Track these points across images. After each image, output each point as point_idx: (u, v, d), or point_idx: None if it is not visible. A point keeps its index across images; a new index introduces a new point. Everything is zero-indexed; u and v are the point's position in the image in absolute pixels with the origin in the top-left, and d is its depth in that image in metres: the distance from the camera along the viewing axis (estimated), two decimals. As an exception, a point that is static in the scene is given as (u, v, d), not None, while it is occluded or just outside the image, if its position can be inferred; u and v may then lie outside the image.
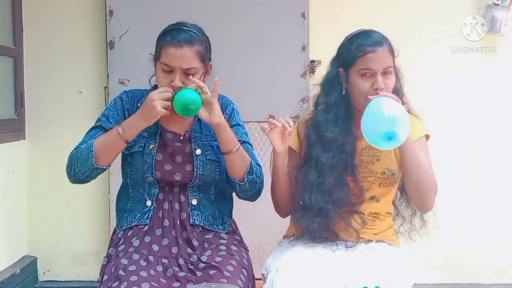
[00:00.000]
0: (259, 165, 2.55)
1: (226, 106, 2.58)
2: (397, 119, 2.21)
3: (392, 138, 2.20)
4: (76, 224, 4.05)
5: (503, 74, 4.03)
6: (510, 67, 4.03)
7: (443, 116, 3.98)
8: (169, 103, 2.34)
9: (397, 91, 2.44)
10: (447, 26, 3.99)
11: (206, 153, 2.51)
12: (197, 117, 2.49)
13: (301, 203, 2.48)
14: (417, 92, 3.82)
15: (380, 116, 2.22)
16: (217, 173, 2.54)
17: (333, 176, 2.40)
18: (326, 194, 2.38)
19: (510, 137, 4.06)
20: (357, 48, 2.38)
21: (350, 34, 2.47)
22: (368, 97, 2.32)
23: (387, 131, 2.20)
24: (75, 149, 2.46)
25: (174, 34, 2.40)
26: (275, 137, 2.37)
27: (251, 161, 2.46)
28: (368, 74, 2.36)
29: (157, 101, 2.31)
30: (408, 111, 2.42)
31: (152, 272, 2.32)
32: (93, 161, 2.39)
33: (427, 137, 2.54)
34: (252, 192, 2.52)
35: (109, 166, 2.47)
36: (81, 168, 2.42)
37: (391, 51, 2.41)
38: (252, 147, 2.61)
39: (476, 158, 4.04)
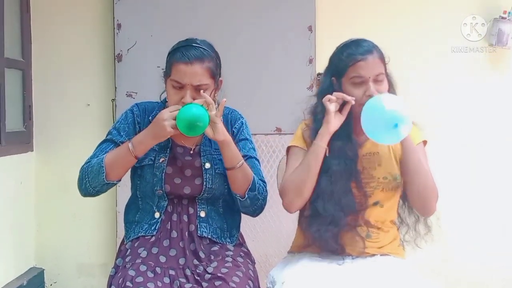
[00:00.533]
0: (263, 182, 2.55)
1: (235, 120, 2.59)
2: (398, 112, 2.25)
3: (394, 129, 2.23)
4: (83, 236, 4.06)
5: (503, 74, 4.02)
6: (510, 67, 4.02)
7: (443, 116, 3.99)
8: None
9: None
10: (447, 26, 4.00)
11: (216, 166, 2.52)
12: None
13: (310, 211, 2.48)
14: (417, 93, 3.89)
15: (380, 110, 2.27)
16: (225, 186, 2.54)
17: (340, 184, 2.41)
18: (337, 202, 2.39)
19: (511, 137, 4.05)
20: (347, 57, 2.43)
21: (341, 44, 2.52)
22: (367, 94, 2.37)
23: (389, 123, 2.23)
24: (86, 163, 2.47)
25: (184, 51, 2.42)
26: (333, 113, 2.38)
27: (254, 178, 2.47)
28: (360, 82, 2.40)
29: (168, 121, 2.32)
30: None
31: (159, 283, 2.32)
32: (104, 177, 2.41)
33: (424, 143, 2.55)
34: (253, 209, 2.53)
35: (120, 180, 2.48)
36: (92, 183, 2.44)
37: (382, 59, 2.45)
38: (259, 163, 2.61)
39: (476, 158, 4.02)
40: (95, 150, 2.52)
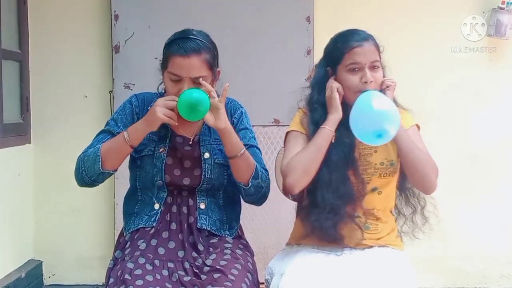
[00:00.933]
0: (265, 170, 2.55)
1: (235, 110, 2.58)
2: (386, 114, 2.25)
3: (382, 135, 2.24)
4: (81, 228, 4.06)
5: (503, 74, 4.03)
6: (510, 67, 4.02)
7: (443, 116, 4.00)
8: (174, 113, 2.33)
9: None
10: (447, 26, 4.00)
11: (215, 156, 2.51)
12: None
13: (309, 201, 2.48)
14: (417, 92, 3.89)
15: (369, 112, 2.26)
16: (225, 177, 2.54)
17: (338, 172, 2.41)
18: (335, 191, 2.38)
19: (511, 137, 4.05)
20: (343, 44, 2.44)
21: (336, 34, 2.52)
22: (364, 81, 2.39)
23: (377, 128, 2.23)
24: (82, 153, 2.47)
25: (180, 43, 2.40)
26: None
27: (256, 166, 2.46)
28: (356, 69, 2.41)
29: (160, 107, 2.31)
30: (396, 105, 2.46)
31: (158, 276, 2.32)
32: (100, 166, 2.40)
33: (418, 127, 2.56)
34: (257, 197, 2.52)
35: (116, 170, 2.47)
36: (88, 172, 2.43)
37: (377, 47, 2.46)
38: (260, 151, 2.61)
39: (477, 156, 4.03)
40: (92, 141, 2.51)
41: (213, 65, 2.44)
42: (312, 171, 2.40)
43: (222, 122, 2.36)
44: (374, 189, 2.49)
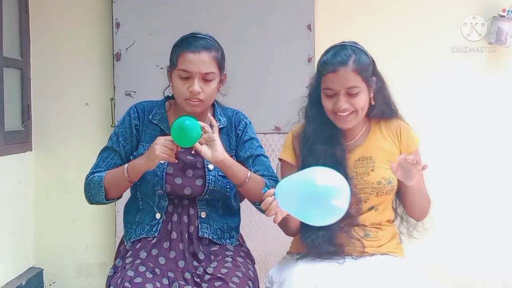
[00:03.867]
0: (274, 178, 2.55)
1: (239, 122, 2.59)
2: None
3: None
4: (82, 236, 4.06)
5: (503, 74, 4.02)
6: (510, 67, 4.02)
7: (443, 116, 3.99)
8: (172, 154, 2.32)
9: (386, 104, 2.47)
10: (447, 26, 4.00)
11: (219, 168, 2.50)
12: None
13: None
14: (417, 92, 3.88)
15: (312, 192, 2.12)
16: (227, 189, 2.54)
17: None
18: None
19: (511, 136, 4.05)
20: (322, 66, 2.41)
21: (329, 47, 2.46)
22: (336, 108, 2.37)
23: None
24: (90, 174, 2.51)
25: (191, 41, 2.43)
26: (280, 214, 2.25)
27: (265, 182, 2.46)
28: (330, 94, 2.38)
29: (159, 146, 2.30)
30: (399, 118, 2.50)
31: (158, 284, 2.32)
32: (103, 196, 2.46)
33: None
34: None
35: (121, 197, 2.54)
36: (95, 198, 2.50)
37: (358, 70, 2.36)
38: (267, 159, 2.61)
39: (476, 157, 4.02)
40: (97, 159, 2.55)
41: (221, 64, 2.47)
42: (292, 232, 2.49)
43: (220, 153, 2.35)
44: (371, 208, 2.47)
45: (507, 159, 4.03)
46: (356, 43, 2.46)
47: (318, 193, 2.09)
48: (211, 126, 2.37)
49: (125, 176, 2.40)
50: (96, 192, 2.46)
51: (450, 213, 3.89)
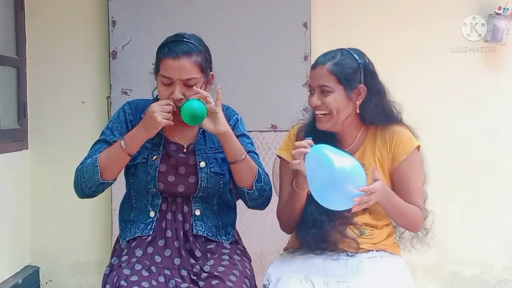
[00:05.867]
0: (266, 174, 2.56)
1: (230, 117, 2.58)
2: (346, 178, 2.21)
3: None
4: (78, 234, 4.05)
5: (503, 74, 4.02)
6: (510, 67, 4.02)
7: (443, 116, 3.99)
8: (170, 115, 2.35)
9: (378, 113, 2.46)
10: (447, 26, 4.00)
11: (211, 165, 2.51)
12: (201, 129, 2.51)
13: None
14: (417, 92, 3.88)
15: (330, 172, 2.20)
16: (221, 185, 2.54)
17: None
18: (320, 206, 2.32)
19: (511, 137, 4.05)
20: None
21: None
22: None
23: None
24: (81, 164, 2.48)
25: (171, 46, 2.41)
26: (302, 164, 2.31)
27: (258, 169, 2.47)
28: (310, 91, 2.47)
29: (158, 113, 2.32)
30: (400, 120, 2.49)
31: (154, 282, 2.32)
32: (99, 176, 2.41)
33: (418, 148, 2.51)
34: (261, 200, 2.53)
35: (115, 179, 2.48)
36: (88, 183, 2.44)
37: (334, 71, 2.39)
38: (258, 157, 2.62)
39: (475, 158, 4.02)
40: (89, 151, 2.52)
41: (205, 68, 2.44)
42: (293, 223, 2.48)
43: (222, 125, 2.37)
44: (365, 209, 2.43)
45: (507, 159, 4.04)
46: (353, 49, 2.48)
47: (346, 191, 2.18)
48: (216, 99, 2.37)
49: (123, 149, 2.37)
50: (90, 175, 2.41)
51: (446, 212, 3.89)
